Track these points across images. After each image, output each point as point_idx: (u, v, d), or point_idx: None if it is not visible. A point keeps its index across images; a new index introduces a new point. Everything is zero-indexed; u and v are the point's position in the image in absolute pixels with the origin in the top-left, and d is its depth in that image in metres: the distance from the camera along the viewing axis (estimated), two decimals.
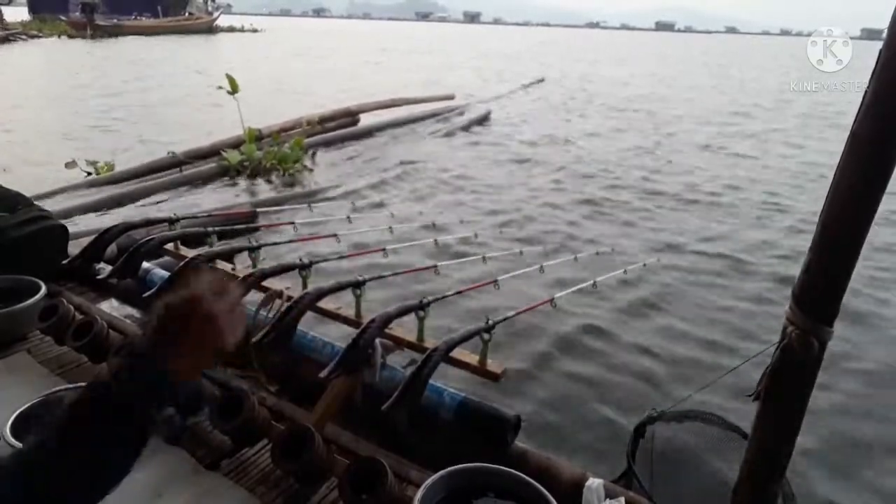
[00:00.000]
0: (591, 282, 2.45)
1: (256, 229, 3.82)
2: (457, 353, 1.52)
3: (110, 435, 0.72)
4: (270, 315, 1.77)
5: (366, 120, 8.82)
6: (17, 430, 1.34)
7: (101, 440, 0.71)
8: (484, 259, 2.70)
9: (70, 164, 5.58)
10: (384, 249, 2.23)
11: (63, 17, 30.85)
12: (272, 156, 6.32)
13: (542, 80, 16.74)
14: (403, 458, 1.43)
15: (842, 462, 2.37)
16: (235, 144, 6.44)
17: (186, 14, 40.06)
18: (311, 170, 6.56)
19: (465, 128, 9.36)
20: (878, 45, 0.95)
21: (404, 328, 1.62)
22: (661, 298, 3.75)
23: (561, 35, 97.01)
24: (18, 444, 1.31)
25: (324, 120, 7.96)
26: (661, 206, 5.77)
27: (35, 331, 1.86)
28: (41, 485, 0.68)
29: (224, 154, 6.13)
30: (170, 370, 0.75)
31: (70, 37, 27.17)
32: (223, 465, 1.41)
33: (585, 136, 9.39)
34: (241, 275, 1.74)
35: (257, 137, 6.59)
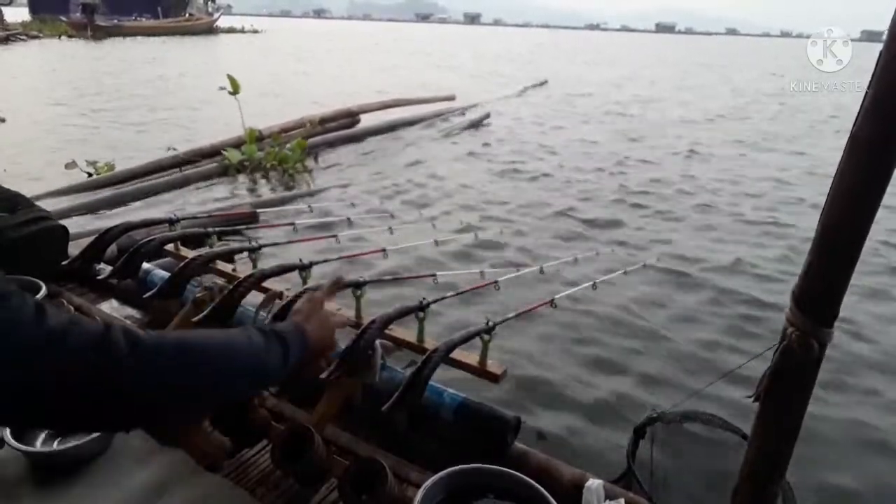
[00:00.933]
0: (591, 282, 2.45)
1: (257, 230, 3.83)
2: (457, 354, 1.52)
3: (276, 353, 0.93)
4: (270, 316, 1.77)
5: (366, 120, 8.82)
6: (17, 430, 1.34)
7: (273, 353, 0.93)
8: (482, 271, 2.72)
9: (70, 165, 5.58)
10: (384, 250, 2.23)
11: (63, 18, 30.85)
12: (273, 156, 6.32)
13: (545, 82, 16.74)
14: (403, 459, 1.44)
15: (842, 462, 2.37)
16: (236, 144, 6.45)
17: (187, 15, 40.07)
18: (311, 170, 6.56)
19: (466, 129, 9.37)
20: (878, 46, 0.95)
21: (404, 329, 1.63)
22: (661, 299, 3.75)
23: (560, 37, 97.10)
24: (19, 445, 1.31)
25: (324, 120, 7.96)
26: (660, 207, 5.77)
27: None
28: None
29: (225, 154, 6.13)
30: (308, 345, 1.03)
31: (70, 37, 27.18)
32: (223, 466, 1.41)
33: (584, 137, 9.40)
34: (242, 275, 1.74)
35: (258, 138, 6.59)
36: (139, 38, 29.18)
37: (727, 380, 2.36)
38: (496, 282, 2.02)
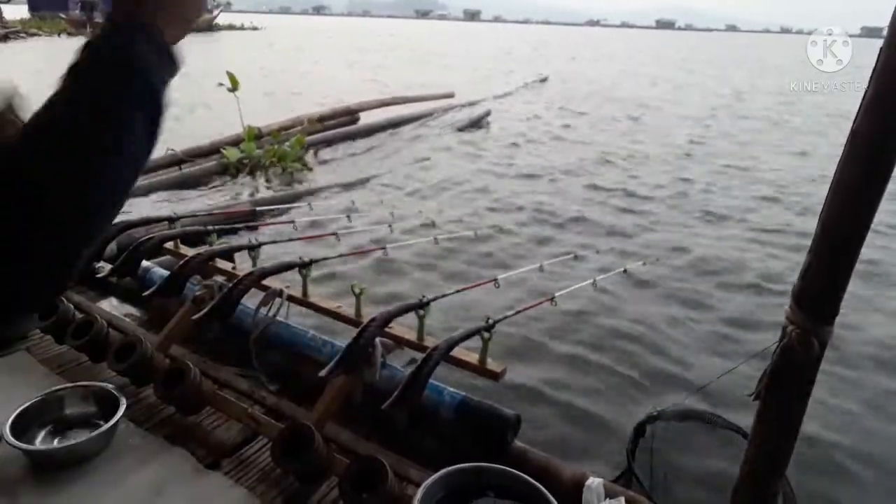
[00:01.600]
0: (592, 280, 2.45)
1: (256, 228, 3.82)
2: (457, 353, 1.52)
3: (120, 91, 0.56)
4: (270, 314, 1.78)
5: (366, 118, 8.82)
6: (16, 429, 1.34)
7: (111, 97, 0.56)
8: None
9: None
10: (384, 248, 2.23)
11: (63, 16, 30.79)
12: (272, 154, 6.31)
13: (545, 79, 16.72)
14: (403, 458, 1.44)
15: (842, 462, 2.37)
16: (235, 143, 6.44)
17: None
18: (310, 168, 6.56)
19: (465, 127, 9.36)
20: (879, 42, 0.95)
21: (404, 327, 1.63)
22: (661, 297, 3.75)
23: (561, 33, 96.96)
24: (19, 444, 1.31)
25: (323, 118, 7.96)
26: (660, 205, 5.77)
27: (35, 329, 1.86)
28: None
29: (224, 152, 6.12)
30: (156, 27, 0.60)
31: (70, 35, 27.13)
32: (223, 464, 1.41)
33: (585, 135, 9.40)
34: (241, 273, 1.74)
35: (257, 136, 6.59)
36: None
37: (727, 378, 2.36)
38: (496, 279, 2.02)
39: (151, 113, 0.58)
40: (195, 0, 0.67)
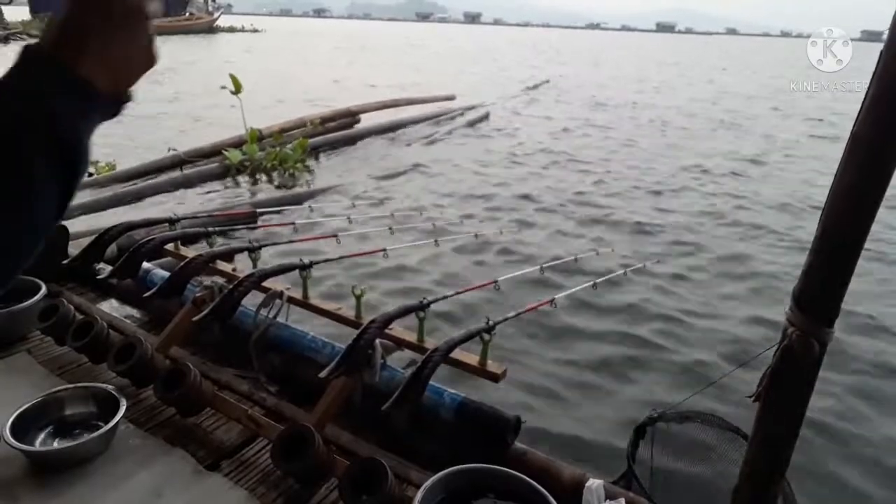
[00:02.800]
0: (592, 282, 2.45)
1: (257, 229, 3.83)
2: (457, 354, 1.52)
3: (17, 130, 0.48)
4: (270, 315, 1.78)
5: (366, 120, 8.82)
6: (16, 430, 1.34)
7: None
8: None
9: None
10: (384, 250, 2.23)
11: None
12: (273, 156, 6.32)
13: (547, 82, 16.76)
14: (403, 459, 1.43)
15: (842, 462, 2.36)
16: (236, 144, 6.45)
17: (187, 14, 40.07)
18: (311, 170, 6.57)
19: (465, 129, 9.36)
20: (878, 46, 0.95)
21: (404, 329, 1.63)
22: (660, 299, 3.75)
23: (561, 35, 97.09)
24: (19, 445, 1.31)
25: (324, 120, 7.96)
26: (660, 207, 5.77)
27: (35, 331, 1.86)
28: None
29: (225, 154, 6.13)
30: (85, 77, 0.53)
31: None
32: (223, 466, 1.41)
33: (584, 137, 9.40)
34: (242, 275, 1.74)
35: (258, 137, 6.60)
36: None
37: (727, 379, 2.36)
38: (496, 281, 2.02)
39: (57, 162, 0.50)
40: (141, 54, 0.61)
